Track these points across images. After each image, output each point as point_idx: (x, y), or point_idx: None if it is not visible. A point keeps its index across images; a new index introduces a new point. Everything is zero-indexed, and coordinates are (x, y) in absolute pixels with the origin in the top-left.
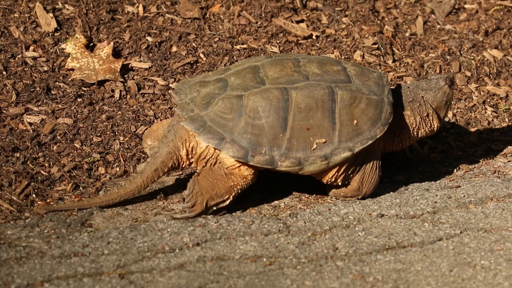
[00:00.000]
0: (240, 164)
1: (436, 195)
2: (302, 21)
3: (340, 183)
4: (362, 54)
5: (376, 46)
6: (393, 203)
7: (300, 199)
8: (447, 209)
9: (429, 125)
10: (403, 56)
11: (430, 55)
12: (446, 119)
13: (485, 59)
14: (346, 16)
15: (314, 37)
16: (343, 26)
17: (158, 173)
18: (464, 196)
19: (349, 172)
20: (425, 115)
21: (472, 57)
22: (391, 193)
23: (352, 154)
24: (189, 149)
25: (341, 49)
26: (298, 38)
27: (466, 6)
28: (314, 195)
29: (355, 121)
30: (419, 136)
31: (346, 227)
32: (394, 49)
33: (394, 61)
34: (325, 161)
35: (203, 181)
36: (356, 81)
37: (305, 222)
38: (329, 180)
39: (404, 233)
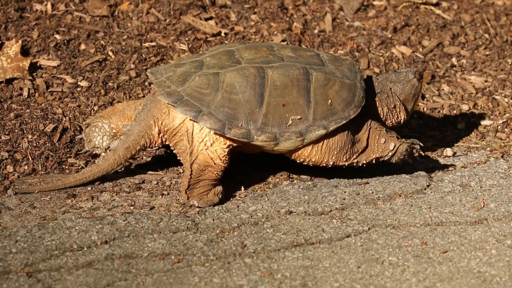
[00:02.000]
0: (214, 140)
1: (345, 192)
2: (211, 18)
3: (311, 165)
4: None
5: (285, 43)
6: (302, 200)
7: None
8: (356, 206)
9: (396, 116)
10: None
11: (339, 51)
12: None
13: (394, 55)
14: (255, 13)
15: (223, 34)
16: (252, 23)
17: (130, 151)
18: (373, 192)
19: (322, 154)
20: (392, 106)
21: (380, 54)
22: (300, 190)
23: (327, 132)
24: (162, 128)
25: None
26: (207, 35)
27: (374, 3)
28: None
29: (330, 101)
30: (385, 127)
31: (255, 224)
32: (303, 45)
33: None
34: (300, 138)
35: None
36: (330, 65)
37: (213, 219)
38: (303, 160)
39: (312, 230)
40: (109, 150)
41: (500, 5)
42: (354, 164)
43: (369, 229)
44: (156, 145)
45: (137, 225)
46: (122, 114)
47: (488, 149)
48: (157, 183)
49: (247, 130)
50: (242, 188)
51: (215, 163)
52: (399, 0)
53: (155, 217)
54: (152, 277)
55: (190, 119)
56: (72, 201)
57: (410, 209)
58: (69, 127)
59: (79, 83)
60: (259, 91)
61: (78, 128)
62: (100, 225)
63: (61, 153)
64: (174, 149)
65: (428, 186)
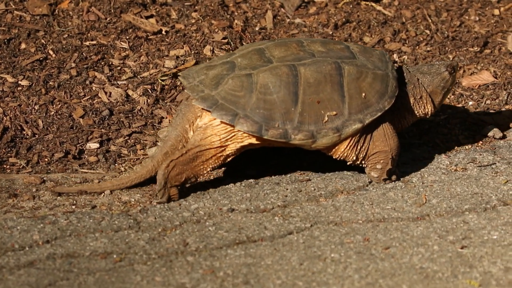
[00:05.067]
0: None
1: (287, 189)
2: (151, 16)
3: (350, 160)
4: (211, 48)
5: (226, 40)
6: (244, 197)
7: (151, 195)
8: (298, 203)
9: (423, 107)
10: None
11: None
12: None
13: None
14: (195, 11)
15: (163, 32)
16: (193, 21)
17: (169, 156)
18: (315, 189)
19: (360, 148)
20: (419, 97)
21: None
22: (242, 187)
23: (363, 126)
24: (195, 129)
25: (191, 44)
26: (148, 33)
27: (315, 0)
28: None
29: (363, 94)
30: (413, 117)
31: (197, 222)
32: (244, 43)
33: None
34: (337, 133)
35: None
36: (361, 57)
37: (155, 218)
38: (340, 155)
39: (254, 227)
40: (147, 157)
41: (441, 1)
42: (355, 162)
43: (311, 226)
44: None
45: (79, 224)
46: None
47: (430, 145)
48: (99, 182)
49: (284, 130)
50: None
51: (214, 158)
52: None
53: (97, 216)
54: (94, 276)
55: (226, 123)
56: (13, 200)
57: (352, 206)
58: (10, 126)
59: (19, 82)
60: (293, 89)
61: (19, 128)
62: (41, 225)
63: (2, 153)
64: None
65: (370, 182)
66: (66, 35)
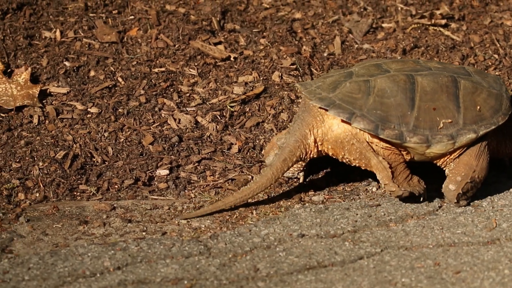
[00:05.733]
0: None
1: (357, 214)
2: (219, 43)
3: (454, 171)
4: (280, 75)
5: (294, 66)
6: (314, 222)
7: (221, 221)
8: (368, 228)
9: None
10: None
11: None
12: None
13: None
14: (264, 37)
15: (232, 58)
16: (261, 47)
17: (287, 163)
18: (385, 214)
19: (471, 158)
20: None
21: None
22: (312, 213)
23: (477, 136)
24: (318, 136)
25: (259, 70)
26: (216, 60)
27: (383, 25)
28: (235, 216)
29: (478, 107)
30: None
31: (267, 248)
32: (312, 69)
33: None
34: (451, 141)
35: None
36: (476, 76)
37: (226, 244)
38: (452, 165)
39: (324, 253)
40: (266, 166)
41: (509, 25)
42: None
43: (381, 251)
44: (312, 155)
45: (150, 251)
46: (277, 145)
47: (501, 169)
48: (169, 208)
49: (400, 131)
50: (254, 212)
51: (393, 150)
52: (408, 22)
53: (168, 242)
54: None
55: (343, 121)
56: (84, 227)
57: (422, 230)
58: (79, 153)
59: (89, 109)
60: (410, 95)
61: (89, 155)
62: (112, 251)
63: (72, 180)
64: (348, 158)
65: (440, 207)
66: (135, 62)
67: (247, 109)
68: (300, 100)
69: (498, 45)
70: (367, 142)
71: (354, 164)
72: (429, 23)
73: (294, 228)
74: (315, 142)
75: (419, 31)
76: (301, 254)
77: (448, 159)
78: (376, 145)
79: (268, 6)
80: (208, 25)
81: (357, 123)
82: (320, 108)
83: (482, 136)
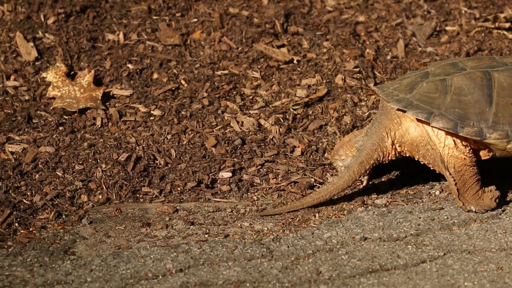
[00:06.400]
0: (453, 141)
1: (419, 218)
2: (283, 45)
3: None
4: (343, 77)
5: (357, 69)
6: (376, 226)
7: (283, 223)
8: (431, 231)
9: None
10: (385, 79)
11: None
12: None
13: None
14: (327, 40)
15: (295, 61)
16: (324, 50)
17: (364, 166)
18: (447, 218)
19: None
20: None
21: None
22: (374, 216)
23: None
24: (395, 138)
25: (323, 73)
26: (279, 63)
27: (447, 28)
28: (298, 219)
29: None
30: None
31: (330, 251)
32: (375, 72)
33: (375, 84)
34: None
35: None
36: None
37: (288, 247)
38: None
39: (387, 256)
40: (344, 168)
41: None
42: None
43: (444, 254)
44: (389, 158)
45: (212, 253)
46: (349, 144)
47: None
48: (231, 211)
49: (479, 128)
50: (317, 215)
51: (466, 162)
52: (472, 25)
53: (230, 245)
54: None
55: (422, 121)
56: (146, 229)
57: (485, 234)
58: (142, 156)
59: (152, 112)
60: (487, 92)
61: (152, 157)
62: (174, 253)
63: (135, 182)
64: (423, 161)
65: (503, 211)
66: (198, 65)
67: (310, 112)
68: (369, 103)
69: None
70: (441, 148)
71: (430, 167)
72: (493, 26)
73: (357, 231)
74: (393, 144)
75: (482, 34)
76: (363, 257)
77: None
78: (450, 151)
79: (331, 9)
80: (271, 28)
81: (436, 122)
82: (398, 109)
83: None
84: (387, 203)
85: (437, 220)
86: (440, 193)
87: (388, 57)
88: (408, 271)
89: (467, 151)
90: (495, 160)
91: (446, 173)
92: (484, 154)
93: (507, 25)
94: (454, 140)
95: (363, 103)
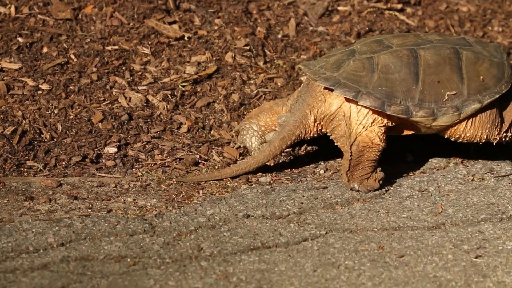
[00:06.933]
0: (372, 121)
1: (303, 196)
2: (174, 22)
3: (465, 141)
4: (233, 55)
5: (248, 47)
6: (260, 203)
7: (167, 200)
8: (313, 210)
9: None
10: (275, 58)
11: (301, 56)
12: None
13: None
14: (219, 17)
15: (186, 38)
16: (216, 27)
17: (286, 141)
18: (331, 197)
19: (476, 128)
20: None
21: None
22: (258, 194)
23: (481, 106)
24: (317, 115)
25: (213, 50)
26: (170, 39)
27: (339, 8)
28: (181, 195)
29: (481, 77)
30: None
31: (212, 228)
32: (266, 50)
33: (265, 62)
34: (456, 112)
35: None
36: (477, 46)
37: (171, 223)
38: (458, 136)
39: (269, 234)
40: (265, 142)
41: (465, 11)
42: (503, 140)
43: (326, 233)
44: (311, 135)
45: (94, 228)
46: (270, 111)
47: (448, 154)
48: (115, 186)
49: (406, 106)
50: (200, 192)
51: (373, 143)
52: (364, 6)
53: (112, 220)
54: (108, 279)
55: (349, 100)
56: (29, 203)
57: (368, 214)
58: (28, 129)
59: (40, 86)
60: (414, 70)
61: (38, 131)
62: (57, 228)
63: (20, 156)
64: (331, 135)
65: (386, 191)
66: (89, 40)
67: (199, 89)
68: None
69: (453, 30)
70: (356, 126)
71: (334, 141)
72: (384, 7)
73: (240, 209)
74: (315, 122)
75: (374, 15)
76: (245, 234)
77: (454, 130)
78: (363, 130)
79: None
80: (163, 4)
81: (364, 101)
82: (325, 88)
83: (487, 105)
84: (271, 181)
85: (321, 199)
86: (324, 172)
87: (279, 36)
88: (290, 249)
89: (380, 133)
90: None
91: (347, 149)
92: (407, 131)
93: (399, 6)
94: (373, 120)
95: (252, 81)
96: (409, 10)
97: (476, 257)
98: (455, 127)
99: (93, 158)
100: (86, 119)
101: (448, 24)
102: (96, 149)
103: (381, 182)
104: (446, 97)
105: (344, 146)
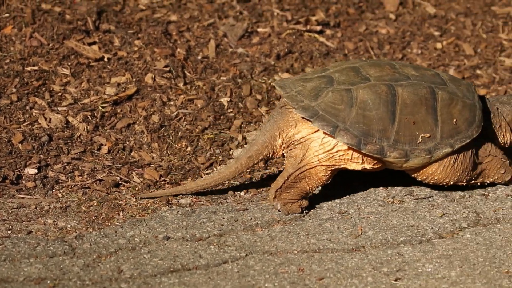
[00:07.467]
0: (329, 158)
1: (223, 218)
2: (94, 43)
3: (432, 183)
4: (153, 76)
5: (167, 68)
6: (180, 225)
7: (87, 221)
8: (234, 232)
9: (502, 136)
10: (195, 79)
11: (221, 78)
12: None
13: None
14: (138, 38)
15: (106, 59)
16: (135, 48)
17: (253, 160)
18: (251, 219)
19: (446, 172)
20: (498, 126)
21: (263, 81)
22: (179, 215)
23: (453, 150)
24: (285, 139)
25: (133, 71)
26: (90, 60)
27: (259, 29)
28: (101, 217)
29: (454, 120)
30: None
31: (132, 250)
32: (185, 71)
33: (185, 83)
34: (428, 155)
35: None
36: (451, 84)
37: (91, 244)
38: (426, 177)
39: (189, 256)
40: (232, 158)
41: (384, 33)
42: (472, 184)
43: (246, 255)
44: (277, 156)
45: (14, 249)
46: None
47: (370, 177)
48: (36, 208)
49: (381, 146)
50: (121, 213)
51: (316, 177)
52: (283, 27)
53: (32, 242)
54: None
55: (325, 133)
56: None
57: (288, 236)
58: None
59: None
60: (391, 108)
61: None
62: None
63: None
64: (286, 153)
65: (306, 213)
66: (8, 60)
67: (119, 110)
68: (178, 102)
69: (372, 52)
70: (312, 154)
71: (284, 160)
72: (304, 29)
73: (160, 231)
74: (281, 144)
75: (294, 36)
76: (165, 256)
77: (422, 172)
78: (316, 160)
79: (144, 8)
80: (83, 25)
81: (341, 137)
82: (303, 118)
83: (478, 141)
84: (192, 203)
85: (241, 221)
86: (245, 194)
87: (199, 57)
88: (210, 271)
89: (329, 171)
90: None
91: (289, 170)
92: (377, 167)
93: (318, 28)
94: (331, 157)
95: (172, 103)
96: (328, 32)
97: (395, 280)
98: (424, 169)
99: (13, 179)
100: (6, 140)
101: (368, 46)
102: (16, 170)
103: (303, 208)
104: (420, 139)
105: (289, 167)
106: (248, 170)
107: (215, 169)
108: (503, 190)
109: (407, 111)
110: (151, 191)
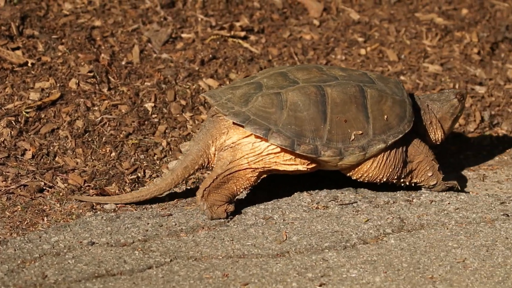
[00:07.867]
0: (258, 160)
1: (148, 223)
2: (18, 48)
3: (366, 181)
4: (77, 82)
5: (91, 74)
6: (104, 231)
7: (11, 226)
8: (158, 237)
9: (433, 133)
10: (119, 85)
11: (145, 83)
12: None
13: (201, 88)
14: (62, 44)
15: (29, 64)
16: (59, 54)
17: (188, 170)
18: (176, 224)
19: (379, 169)
20: (428, 123)
21: (187, 86)
22: (103, 221)
23: (386, 146)
24: (217, 146)
25: (57, 76)
26: (14, 65)
27: (183, 35)
28: (26, 222)
29: (385, 116)
30: (425, 143)
31: (56, 255)
32: (110, 77)
33: (109, 89)
34: (362, 152)
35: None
36: (379, 83)
37: (15, 250)
38: (360, 175)
39: (114, 261)
40: (168, 170)
41: (308, 39)
42: (401, 183)
43: (171, 260)
44: (212, 165)
45: None
46: None
47: (293, 182)
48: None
49: (315, 146)
50: (45, 219)
51: (245, 178)
52: (208, 33)
53: None
54: None
55: (258, 136)
56: None
57: (212, 241)
58: None
59: None
60: (322, 108)
61: None
62: None
63: None
64: (216, 157)
65: (231, 218)
66: None
67: (43, 116)
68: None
69: (296, 58)
70: (241, 157)
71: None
72: (228, 34)
73: (85, 236)
74: (215, 152)
75: (218, 42)
76: (90, 262)
77: (357, 169)
78: (245, 163)
79: (67, 13)
80: (6, 30)
81: (274, 140)
82: (234, 123)
83: (403, 139)
84: (116, 208)
85: (165, 226)
86: (169, 199)
87: (123, 63)
88: (134, 277)
89: (257, 174)
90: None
91: (218, 171)
92: (311, 167)
93: (243, 33)
94: (260, 160)
95: (96, 108)
96: (252, 37)
97: (320, 285)
98: (359, 167)
99: None
100: None
101: (292, 52)
102: None
103: (229, 214)
104: (353, 137)
105: (218, 168)
106: (184, 181)
107: (148, 180)
108: (427, 196)
109: (337, 110)
110: (87, 195)
